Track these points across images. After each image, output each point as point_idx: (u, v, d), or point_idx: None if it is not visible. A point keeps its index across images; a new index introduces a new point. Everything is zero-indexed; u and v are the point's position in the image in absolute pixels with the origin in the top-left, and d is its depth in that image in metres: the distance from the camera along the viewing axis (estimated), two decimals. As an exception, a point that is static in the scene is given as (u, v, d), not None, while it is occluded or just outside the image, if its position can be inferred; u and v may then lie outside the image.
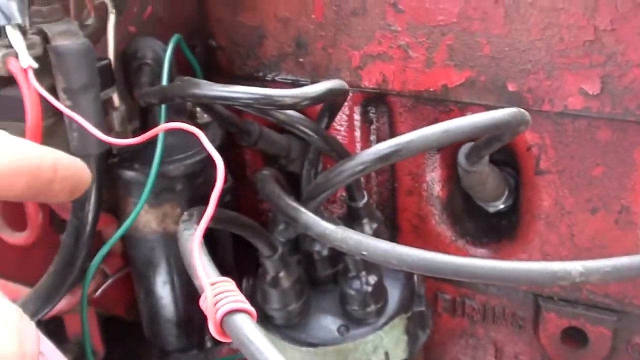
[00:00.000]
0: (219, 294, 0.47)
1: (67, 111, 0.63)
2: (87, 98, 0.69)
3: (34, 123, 0.64)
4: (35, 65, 0.65)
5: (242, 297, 0.48)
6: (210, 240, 0.86)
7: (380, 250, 0.58)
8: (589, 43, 0.72)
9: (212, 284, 0.48)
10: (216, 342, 0.96)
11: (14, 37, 0.66)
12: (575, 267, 0.54)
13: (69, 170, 0.48)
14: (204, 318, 0.90)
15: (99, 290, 0.89)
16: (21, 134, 0.71)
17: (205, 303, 0.48)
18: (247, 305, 0.47)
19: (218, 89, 0.65)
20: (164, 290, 0.89)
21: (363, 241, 0.59)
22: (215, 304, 0.47)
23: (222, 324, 0.47)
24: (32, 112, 0.64)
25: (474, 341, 0.95)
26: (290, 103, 0.64)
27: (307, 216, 0.63)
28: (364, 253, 0.58)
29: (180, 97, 0.69)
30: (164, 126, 0.57)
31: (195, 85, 0.67)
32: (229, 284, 0.49)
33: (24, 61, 0.64)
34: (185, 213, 0.66)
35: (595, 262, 0.55)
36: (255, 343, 0.45)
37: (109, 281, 0.91)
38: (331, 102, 0.72)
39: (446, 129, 0.60)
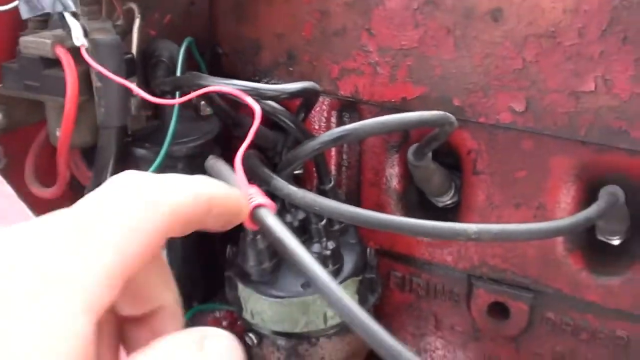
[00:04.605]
0: (251, 193, 0.65)
1: (117, 78, 0.80)
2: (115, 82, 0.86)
3: (72, 97, 0.80)
4: (87, 45, 0.81)
5: (265, 196, 0.66)
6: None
7: (328, 206, 0.74)
8: (518, 71, 0.88)
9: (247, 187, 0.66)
10: (203, 302, 1.12)
11: (71, 21, 0.80)
12: (471, 227, 0.71)
13: (224, 207, 0.44)
14: (193, 282, 1.06)
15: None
16: (60, 107, 0.88)
17: None
18: (270, 202, 0.65)
19: (218, 81, 0.81)
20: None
21: (317, 199, 0.75)
22: (249, 200, 0.65)
23: (251, 215, 0.65)
24: (71, 88, 0.80)
25: (418, 313, 1.10)
26: (272, 95, 0.81)
27: (278, 181, 0.80)
28: (317, 208, 0.75)
29: (188, 86, 0.86)
30: (209, 89, 0.75)
31: (201, 77, 0.85)
32: (256, 189, 0.67)
33: (80, 41, 0.80)
34: (210, 156, 0.81)
35: (489, 225, 0.72)
36: (273, 227, 0.62)
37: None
38: (306, 99, 0.88)
39: (384, 121, 0.77)
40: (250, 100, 0.71)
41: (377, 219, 0.73)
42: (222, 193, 0.44)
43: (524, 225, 0.77)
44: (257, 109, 0.68)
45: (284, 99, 0.84)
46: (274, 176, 0.81)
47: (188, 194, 0.40)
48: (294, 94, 0.83)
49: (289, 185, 0.79)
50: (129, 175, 0.39)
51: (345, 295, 0.60)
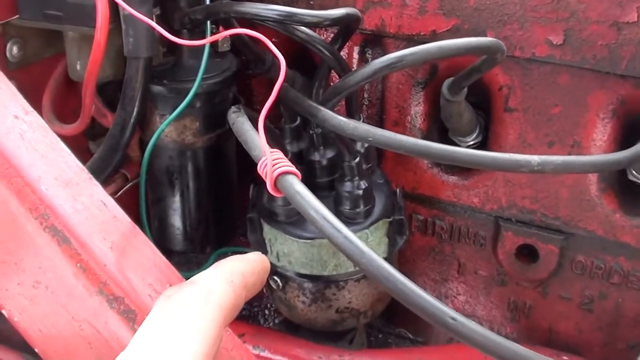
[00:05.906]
0: (275, 159, 0.62)
1: (138, 15, 0.75)
2: (144, 9, 0.81)
3: (103, 26, 0.77)
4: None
5: (290, 163, 0.62)
6: (218, 152, 0.98)
7: (383, 136, 0.71)
8: (557, 1, 0.84)
9: (272, 152, 0.63)
10: (216, 248, 1.09)
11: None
12: (534, 158, 0.68)
13: (256, 282, 0.59)
14: (207, 226, 1.03)
15: (120, 192, 0.99)
16: (82, 38, 0.84)
17: (266, 166, 0.62)
18: (295, 170, 0.62)
19: (257, 6, 0.77)
20: (176, 197, 0.99)
21: (370, 130, 0.72)
22: (273, 166, 0.62)
23: (275, 182, 0.62)
24: (103, 16, 0.77)
25: (441, 257, 1.08)
26: (314, 21, 0.77)
27: (325, 112, 0.76)
28: (370, 139, 0.72)
29: (225, 12, 0.81)
30: (232, 31, 0.71)
31: (237, 3, 0.80)
32: (281, 153, 0.64)
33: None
34: (233, 107, 0.78)
35: (551, 157, 0.69)
36: (300, 193, 0.60)
37: (129, 185, 1.00)
38: (345, 27, 0.84)
39: (441, 45, 0.73)
40: (275, 50, 0.67)
41: (438, 150, 0.69)
42: (249, 271, 0.58)
43: (584, 157, 0.74)
44: (282, 61, 0.65)
45: (326, 26, 0.80)
46: (321, 108, 0.77)
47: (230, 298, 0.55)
48: (337, 21, 0.79)
49: (337, 116, 0.75)
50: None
51: (395, 271, 0.57)
